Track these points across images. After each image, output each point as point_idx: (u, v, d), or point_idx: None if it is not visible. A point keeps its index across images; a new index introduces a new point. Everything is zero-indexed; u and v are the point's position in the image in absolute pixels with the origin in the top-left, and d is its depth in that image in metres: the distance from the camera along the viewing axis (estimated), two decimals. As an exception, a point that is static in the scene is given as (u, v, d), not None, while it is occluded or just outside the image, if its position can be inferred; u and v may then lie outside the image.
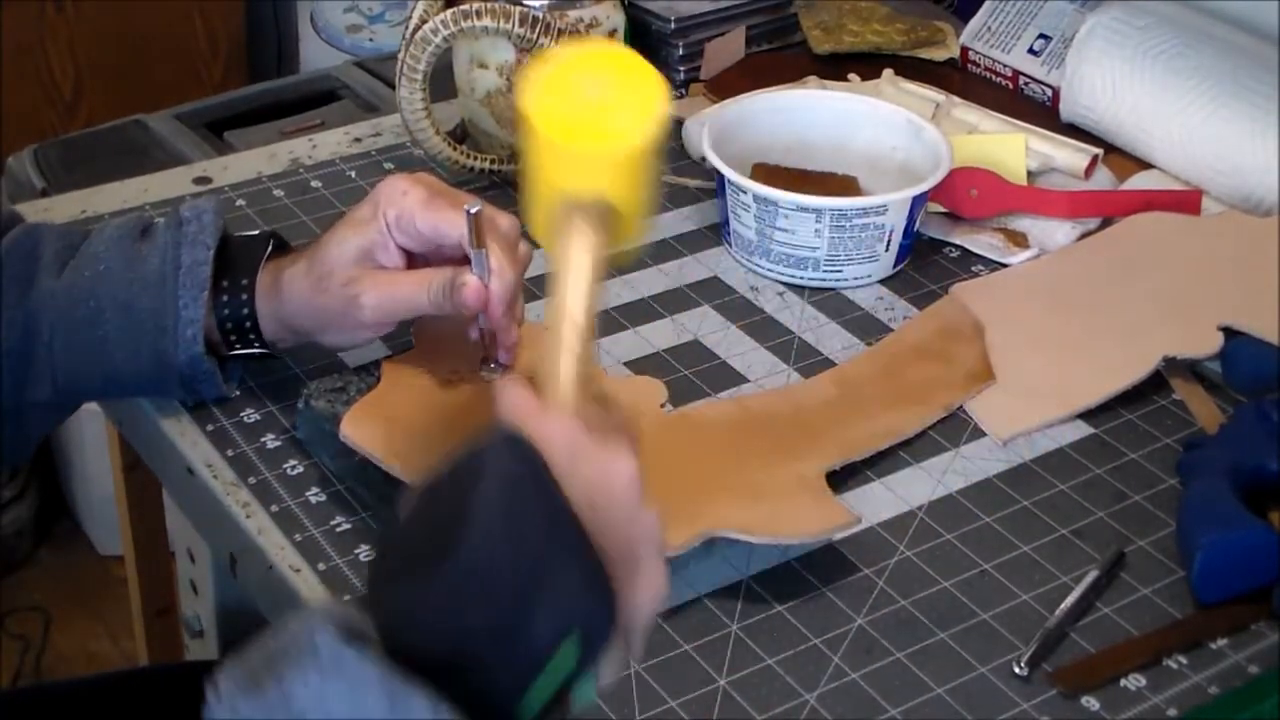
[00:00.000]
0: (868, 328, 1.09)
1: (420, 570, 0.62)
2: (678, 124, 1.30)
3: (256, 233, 0.98)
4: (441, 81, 1.19)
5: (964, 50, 1.39)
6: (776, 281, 1.13)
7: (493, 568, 0.61)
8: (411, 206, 0.92)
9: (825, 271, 1.11)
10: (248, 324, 0.95)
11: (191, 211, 0.95)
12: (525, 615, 0.61)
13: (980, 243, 1.17)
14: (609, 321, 1.08)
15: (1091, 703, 0.81)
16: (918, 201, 1.11)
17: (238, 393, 0.99)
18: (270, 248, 0.96)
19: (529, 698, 0.61)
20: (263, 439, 0.97)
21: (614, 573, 0.63)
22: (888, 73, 1.33)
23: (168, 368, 0.94)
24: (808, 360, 1.05)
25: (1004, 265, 1.15)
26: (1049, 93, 1.33)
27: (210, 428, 0.97)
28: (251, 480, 0.94)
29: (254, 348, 0.96)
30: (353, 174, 1.25)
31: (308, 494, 0.93)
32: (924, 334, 1.06)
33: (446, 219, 0.91)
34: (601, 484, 0.65)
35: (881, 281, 1.13)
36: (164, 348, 0.93)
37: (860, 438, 0.96)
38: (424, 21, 1.15)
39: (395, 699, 0.58)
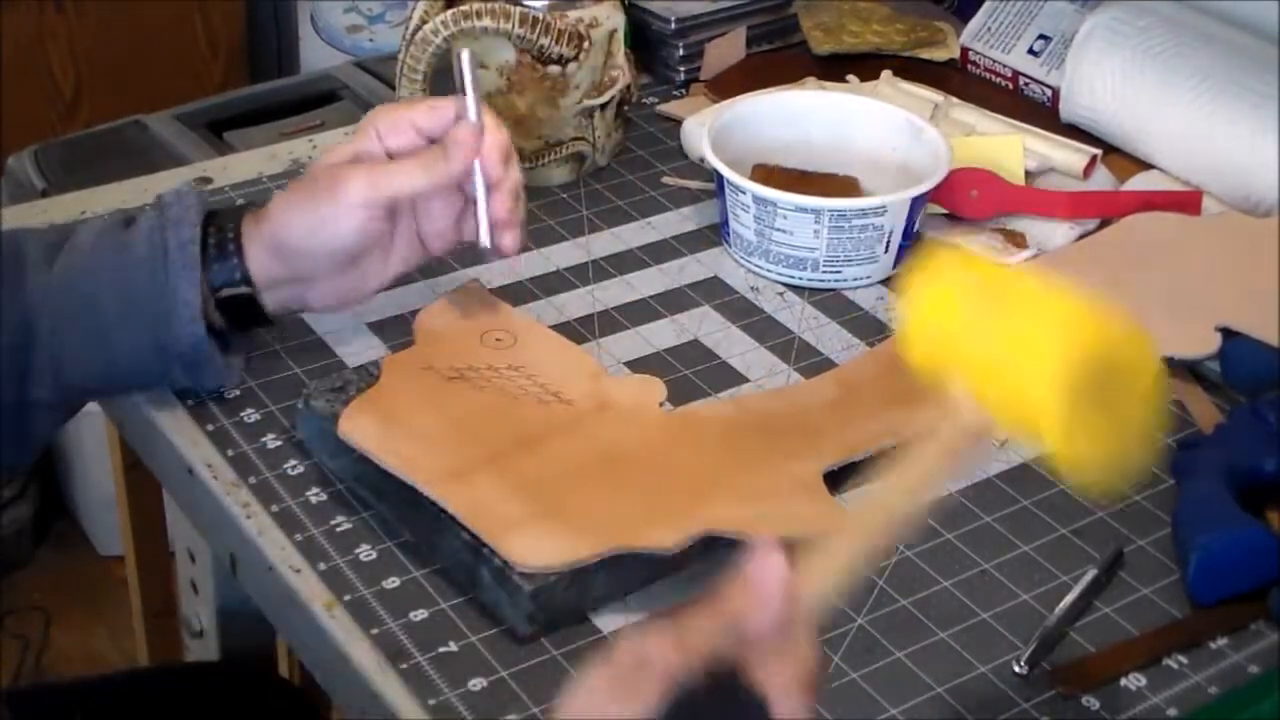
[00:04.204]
0: (868, 328, 1.09)
1: None
2: (677, 124, 1.30)
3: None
4: (441, 82, 1.19)
5: (964, 51, 1.39)
6: (776, 282, 1.13)
7: None
8: (401, 108, 0.95)
9: (825, 272, 1.11)
10: (234, 259, 0.94)
11: (172, 195, 0.95)
12: None
13: (979, 243, 1.17)
14: (609, 321, 1.08)
15: (1091, 702, 0.81)
16: (917, 202, 1.11)
17: (237, 393, 0.99)
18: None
19: None
20: (263, 439, 0.97)
21: None
22: (886, 73, 1.33)
23: (168, 351, 0.93)
24: (808, 360, 1.05)
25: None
26: (1049, 93, 1.33)
27: (210, 428, 0.97)
28: (251, 480, 0.94)
29: (241, 289, 0.94)
30: (353, 174, 1.25)
31: (308, 494, 0.93)
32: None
33: (441, 102, 0.95)
34: None
35: (881, 282, 1.13)
36: (163, 330, 0.93)
37: (860, 438, 0.96)
38: (424, 22, 1.15)
39: None
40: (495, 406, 0.94)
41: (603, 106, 1.22)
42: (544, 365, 0.98)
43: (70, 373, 0.94)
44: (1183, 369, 1.04)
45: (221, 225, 0.94)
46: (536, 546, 0.82)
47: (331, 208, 0.92)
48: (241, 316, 0.96)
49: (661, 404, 0.98)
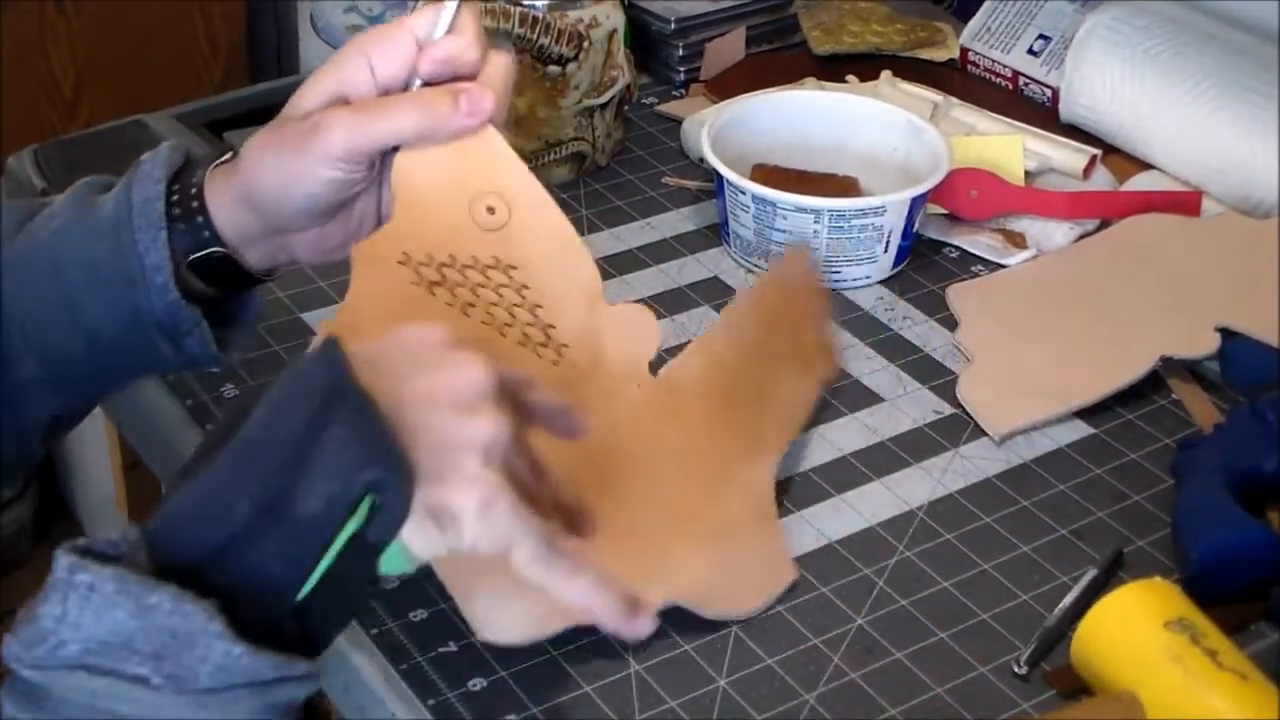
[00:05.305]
0: (868, 328, 1.09)
1: (198, 464, 0.63)
2: (677, 124, 1.30)
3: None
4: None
5: (963, 51, 1.39)
6: (776, 282, 1.13)
7: (262, 442, 0.62)
8: (396, 24, 0.81)
9: (824, 272, 1.11)
10: (197, 217, 0.81)
11: (150, 153, 0.84)
12: (292, 482, 0.61)
13: (979, 243, 1.17)
14: (609, 322, 1.08)
15: (1091, 702, 0.81)
16: (916, 202, 1.11)
17: (236, 392, 0.99)
18: (231, 156, 0.83)
19: (306, 565, 0.61)
20: (263, 439, 0.96)
21: (418, 457, 0.63)
22: (886, 74, 1.33)
23: (144, 322, 0.81)
24: (807, 360, 1.05)
25: (1002, 266, 1.15)
26: (1048, 93, 1.33)
27: (210, 427, 0.97)
28: (252, 480, 0.93)
29: (211, 249, 0.82)
30: (353, 174, 1.25)
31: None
32: (767, 298, 1.00)
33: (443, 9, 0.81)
34: (431, 387, 0.65)
35: (881, 282, 1.13)
36: (136, 300, 0.81)
37: (793, 407, 0.95)
38: (424, 22, 1.14)
39: (139, 603, 0.59)
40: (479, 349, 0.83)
41: (603, 106, 1.22)
42: (539, 271, 0.84)
43: (50, 350, 0.83)
44: (1183, 369, 1.04)
45: (185, 181, 0.83)
46: (502, 618, 0.80)
47: (305, 160, 0.79)
48: (226, 278, 0.84)
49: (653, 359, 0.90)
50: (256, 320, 0.88)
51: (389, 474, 0.62)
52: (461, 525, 0.64)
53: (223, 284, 0.84)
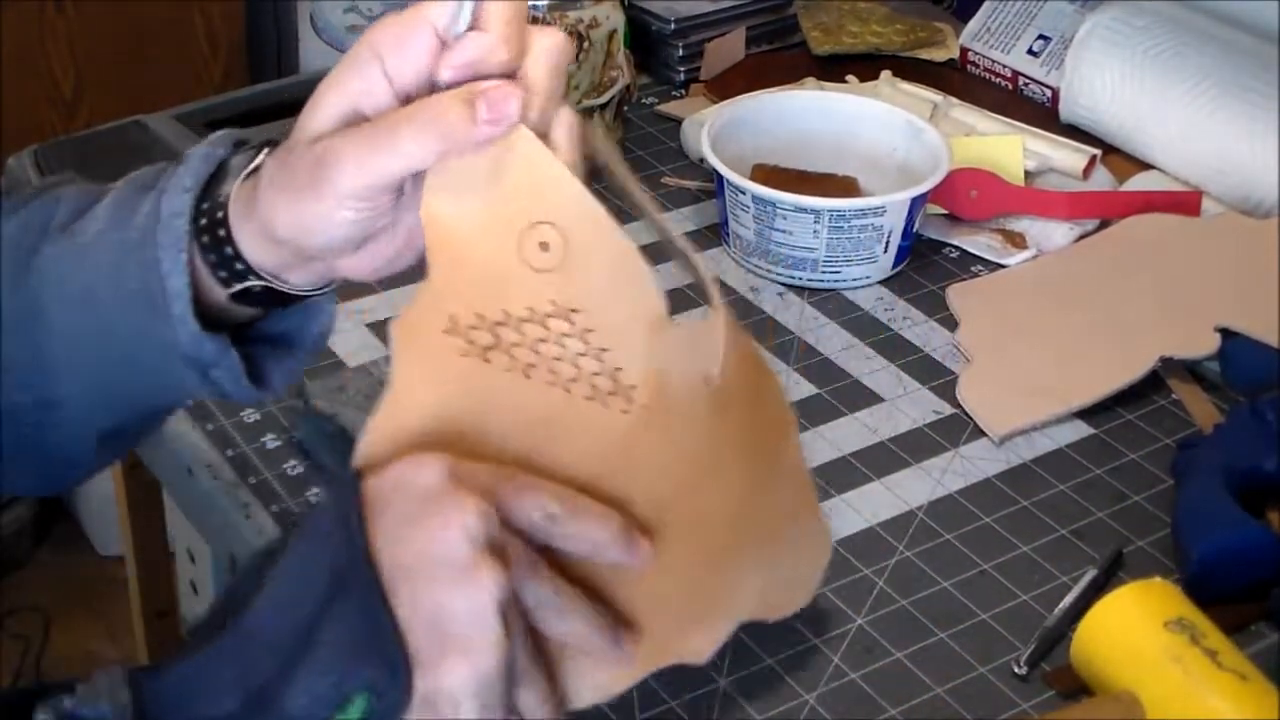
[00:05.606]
0: (868, 328, 1.09)
1: (197, 641, 0.62)
2: (677, 124, 1.30)
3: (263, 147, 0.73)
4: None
5: (963, 51, 1.39)
6: (775, 282, 1.13)
7: (261, 629, 0.61)
8: (412, 16, 0.67)
9: (824, 272, 1.11)
10: (228, 249, 0.71)
11: (193, 149, 0.74)
12: (283, 675, 0.60)
13: (979, 243, 1.17)
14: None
15: (1091, 702, 0.81)
16: (916, 203, 1.11)
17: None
18: (265, 154, 0.72)
19: None
20: (263, 439, 0.97)
21: (414, 640, 0.61)
22: (885, 74, 1.33)
23: (169, 353, 0.72)
24: (808, 360, 1.05)
25: (1002, 266, 1.15)
26: (1048, 93, 1.33)
27: (210, 427, 0.98)
28: (251, 480, 0.94)
29: (247, 281, 0.72)
30: (353, 174, 1.25)
31: (308, 494, 0.93)
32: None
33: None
34: (420, 550, 0.62)
35: (881, 282, 1.13)
36: (159, 328, 0.72)
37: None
38: (424, 22, 1.14)
39: None
40: (541, 427, 0.71)
41: (602, 106, 1.22)
42: (602, 308, 0.72)
43: (90, 368, 0.74)
44: (1183, 369, 1.04)
45: (214, 199, 0.72)
46: (580, 685, 0.74)
47: (319, 201, 0.67)
48: (274, 298, 0.74)
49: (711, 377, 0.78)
50: (325, 330, 0.77)
51: (387, 673, 0.60)
52: (460, 707, 0.62)
53: (272, 303, 0.74)
